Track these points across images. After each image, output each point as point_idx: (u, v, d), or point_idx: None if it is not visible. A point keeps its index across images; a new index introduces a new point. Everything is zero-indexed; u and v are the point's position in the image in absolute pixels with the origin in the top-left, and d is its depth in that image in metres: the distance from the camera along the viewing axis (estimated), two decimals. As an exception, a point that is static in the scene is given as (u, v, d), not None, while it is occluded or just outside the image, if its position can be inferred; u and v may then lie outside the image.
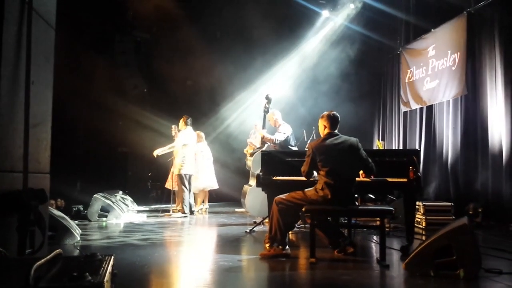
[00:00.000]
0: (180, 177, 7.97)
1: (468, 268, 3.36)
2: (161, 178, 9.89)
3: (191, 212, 8.25)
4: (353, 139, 4.26)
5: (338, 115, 4.37)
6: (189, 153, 8.06)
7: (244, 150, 8.44)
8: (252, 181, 6.98)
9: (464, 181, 7.49)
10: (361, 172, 4.35)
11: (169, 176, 8.66)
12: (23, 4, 3.00)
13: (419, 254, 3.50)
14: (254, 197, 6.73)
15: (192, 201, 8.39)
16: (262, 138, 6.87)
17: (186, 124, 8.14)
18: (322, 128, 4.36)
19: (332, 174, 4.11)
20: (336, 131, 4.32)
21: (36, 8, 3.12)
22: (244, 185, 7.25)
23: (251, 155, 7.13)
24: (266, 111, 6.63)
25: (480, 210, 6.54)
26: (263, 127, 6.80)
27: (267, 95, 6.56)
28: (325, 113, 4.39)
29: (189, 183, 8.11)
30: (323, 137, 4.32)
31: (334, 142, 4.21)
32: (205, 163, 8.77)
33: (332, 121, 4.32)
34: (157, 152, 8.14)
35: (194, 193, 8.63)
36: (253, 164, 6.97)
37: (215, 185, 8.89)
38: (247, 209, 6.96)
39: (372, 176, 4.35)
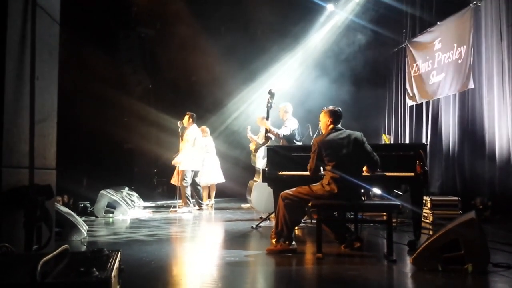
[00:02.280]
0: (182, 172, 8.00)
1: (476, 262, 3.33)
2: (167, 174, 9.89)
3: (200, 206, 8.26)
4: (357, 133, 4.24)
5: (341, 110, 4.35)
6: (195, 150, 8.08)
7: (249, 145, 8.42)
8: (257, 177, 6.96)
9: (471, 175, 7.44)
10: (364, 168, 4.33)
11: (175, 172, 8.67)
12: (27, -1, 2.99)
13: (426, 249, 3.48)
14: (260, 193, 6.71)
15: (201, 196, 8.41)
16: (269, 132, 6.83)
17: (193, 121, 8.16)
18: (326, 123, 4.35)
19: (338, 169, 4.09)
20: (339, 125, 4.30)
21: (40, 3, 3.10)
22: (250, 181, 7.24)
23: (256, 150, 7.10)
24: (269, 106, 6.60)
25: (489, 203, 6.49)
26: (267, 119, 6.76)
27: (270, 89, 6.54)
28: (328, 108, 4.38)
29: (193, 179, 8.16)
30: (327, 132, 4.30)
31: (339, 137, 4.20)
32: (209, 158, 8.77)
33: (335, 116, 4.31)
34: (176, 161, 8.12)
35: (201, 189, 8.63)
36: (258, 160, 6.95)
37: (221, 179, 8.88)
38: (253, 205, 6.95)
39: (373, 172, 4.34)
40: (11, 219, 2.75)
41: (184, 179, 7.96)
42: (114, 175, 9.69)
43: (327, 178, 4.15)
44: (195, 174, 8.25)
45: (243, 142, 9.93)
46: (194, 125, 8.21)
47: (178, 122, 8.35)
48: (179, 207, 8.11)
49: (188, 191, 8.00)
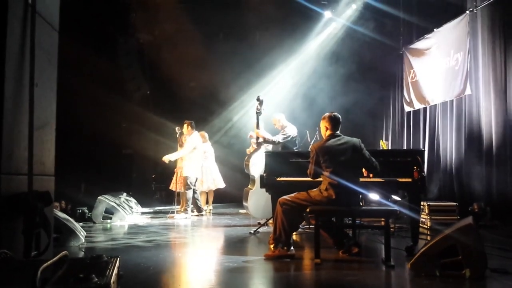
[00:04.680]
0: (185, 179, 8.00)
1: (474, 268, 3.35)
2: (165, 180, 9.90)
3: (200, 211, 8.26)
4: (355, 140, 4.27)
5: (340, 116, 4.38)
6: (196, 157, 8.11)
7: (246, 150, 8.44)
8: (252, 185, 6.91)
9: (468, 181, 7.45)
10: (363, 170, 4.36)
11: (173, 178, 8.68)
12: (26, 7, 3.01)
13: (424, 254, 3.49)
14: (256, 200, 6.69)
15: (199, 202, 8.42)
16: (264, 140, 6.84)
17: (192, 128, 8.20)
18: (324, 129, 4.38)
19: (335, 175, 4.11)
20: (338, 132, 4.33)
21: (40, 11, 3.13)
22: (245, 188, 7.17)
23: (248, 158, 7.05)
24: (258, 113, 6.63)
25: (487, 209, 6.51)
26: (257, 128, 6.77)
27: (258, 96, 6.59)
28: (327, 114, 4.41)
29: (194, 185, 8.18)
30: (325, 138, 4.34)
31: (336, 143, 4.22)
32: (208, 163, 8.78)
33: (334, 122, 4.33)
34: (168, 157, 8.12)
35: (199, 194, 8.63)
36: (252, 167, 6.89)
37: (221, 185, 8.87)
38: (250, 212, 6.91)
39: (371, 175, 4.36)
40: (10, 225, 2.76)
41: (187, 185, 7.97)
42: (112, 180, 9.68)
43: (325, 184, 4.17)
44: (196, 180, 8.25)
45: (241, 147, 9.96)
46: (195, 132, 8.25)
47: (176, 128, 8.38)
48: (177, 213, 8.11)
49: (189, 197, 8.02)
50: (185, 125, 8.21)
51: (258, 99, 6.55)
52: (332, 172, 4.13)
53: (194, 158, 8.07)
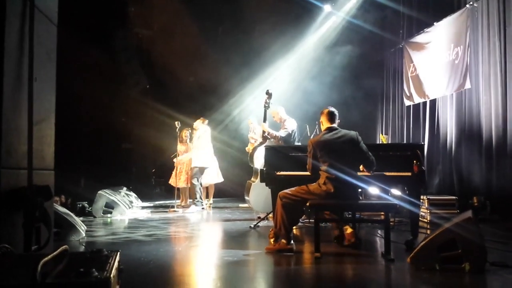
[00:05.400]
0: (193, 169, 8.04)
1: (474, 261, 3.35)
2: (165, 174, 9.91)
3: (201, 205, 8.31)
4: (352, 133, 4.27)
5: (336, 110, 4.40)
6: (206, 147, 8.19)
7: (246, 148, 8.45)
8: (255, 177, 6.96)
9: (468, 175, 7.46)
10: (361, 167, 4.36)
11: (173, 173, 8.68)
12: (25, 2, 3.00)
13: (424, 248, 3.50)
14: (258, 193, 6.70)
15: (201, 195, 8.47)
16: (268, 134, 6.85)
17: (203, 123, 8.31)
18: (322, 123, 4.42)
19: (333, 168, 4.12)
20: (335, 125, 4.34)
21: (38, 5, 3.11)
22: (247, 181, 7.22)
23: (253, 150, 7.10)
24: (267, 106, 6.63)
25: (487, 202, 6.52)
26: (264, 121, 6.79)
27: (267, 90, 6.59)
28: (324, 109, 4.44)
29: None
30: (322, 132, 4.37)
31: (333, 136, 4.23)
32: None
33: (330, 116, 4.36)
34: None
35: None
36: (256, 160, 6.92)
37: (220, 179, 8.88)
38: (251, 205, 6.94)
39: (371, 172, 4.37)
40: (10, 220, 2.76)
41: (194, 177, 8.01)
42: (112, 175, 9.69)
43: (323, 178, 4.18)
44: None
45: (241, 141, 9.95)
46: (202, 126, 8.30)
47: (176, 122, 8.38)
48: (177, 207, 8.12)
49: (198, 188, 8.06)
50: (200, 121, 8.29)
51: (267, 93, 6.54)
52: (329, 166, 4.14)
53: (206, 149, 8.12)
